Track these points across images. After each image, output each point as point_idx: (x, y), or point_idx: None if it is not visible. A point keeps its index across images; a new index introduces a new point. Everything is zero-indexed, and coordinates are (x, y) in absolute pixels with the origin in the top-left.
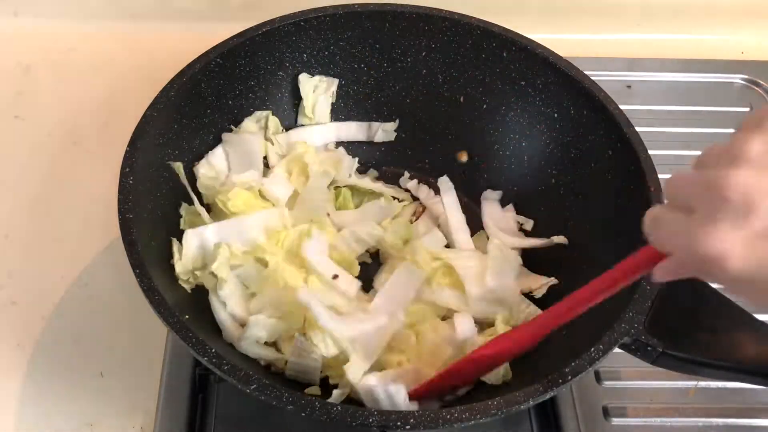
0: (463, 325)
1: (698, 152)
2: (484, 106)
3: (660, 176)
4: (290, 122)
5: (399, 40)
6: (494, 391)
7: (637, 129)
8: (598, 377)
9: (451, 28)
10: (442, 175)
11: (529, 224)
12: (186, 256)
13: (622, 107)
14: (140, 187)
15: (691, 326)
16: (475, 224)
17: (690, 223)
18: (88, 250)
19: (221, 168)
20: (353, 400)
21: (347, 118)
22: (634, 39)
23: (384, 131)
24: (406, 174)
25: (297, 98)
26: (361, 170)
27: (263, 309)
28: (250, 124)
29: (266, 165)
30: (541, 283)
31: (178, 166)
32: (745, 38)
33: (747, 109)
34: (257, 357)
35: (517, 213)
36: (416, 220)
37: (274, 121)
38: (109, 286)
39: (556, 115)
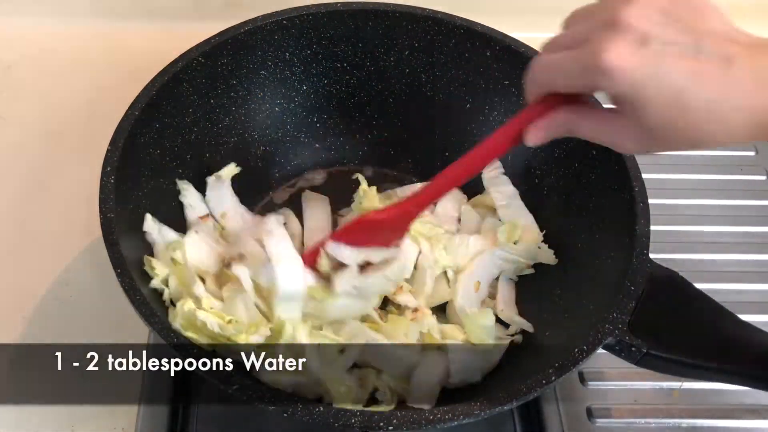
0: None
1: (682, 152)
2: (468, 106)
3: (644, 176)
4: (272, 122)
5: (382, 39)
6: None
7: None
8: (582, 378)
9: (434, 27)
10: (426, 174)
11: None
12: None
13: (606, 106)
14: (122, 186)
15: (676, 327)
16: None
17: (584, 47)
18: (69, 249)
19: None
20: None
21: (329, 118)
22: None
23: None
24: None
25: (279, 98)
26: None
27: None
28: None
29: None
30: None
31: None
32: None
33: None
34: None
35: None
36: None
37: None
38: (90, 285)
39: None
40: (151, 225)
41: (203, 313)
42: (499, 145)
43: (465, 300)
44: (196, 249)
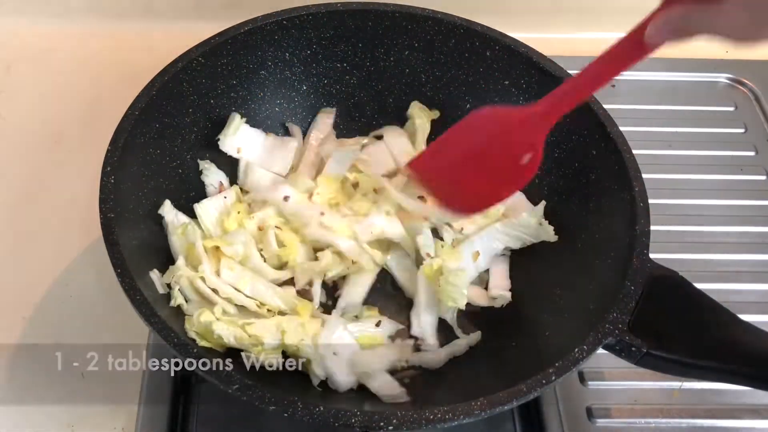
0: None
1: (682, 152)
2: (468, 106)
3: (644, 176)
4: (273, 121)
5: (382, 39)
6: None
7: (622, 128)
8: (582, 378)
9: (434, 27)
10: None
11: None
12: None
13: (606, 106)
14: (122, 186)
15: (676, 327)
16: None
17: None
18: (69, 249)
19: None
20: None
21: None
22: (618, 38)
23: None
24: None
25: (279, 98)
26: None
27: None
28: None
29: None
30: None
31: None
32: None
33: (731, 109)
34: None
35: None
36: None
37: None
38: (90, 286)
39: None
40: (168, 209)
41: (220, 326)
42: (630, 49)
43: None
44: (210, 211)
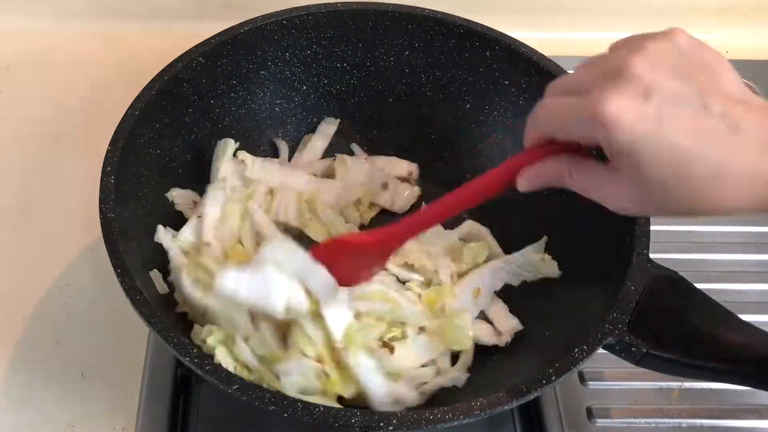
0: None
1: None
2: (468, 106)
3: None
4: (272, 122)
5: (382, 39)
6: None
7: None
8: (581, 378)
9: (434, 27)
10: (424, 174)
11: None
12: None
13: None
14: (122, 186)
15: (676, 327)
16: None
17: (587, 95)
18: (69, 249)
19: None
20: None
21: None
22: (619, 37)
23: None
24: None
25: (279, 98)
26: None
27: None
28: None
29: None
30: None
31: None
32: (729, 37)
33: None
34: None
35: (499, 215)
36: None
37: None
38: (91, 286)
39: None
40: (162, 234)
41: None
42: (492, 186)
43: (463, 305)
44: (190, 236)
